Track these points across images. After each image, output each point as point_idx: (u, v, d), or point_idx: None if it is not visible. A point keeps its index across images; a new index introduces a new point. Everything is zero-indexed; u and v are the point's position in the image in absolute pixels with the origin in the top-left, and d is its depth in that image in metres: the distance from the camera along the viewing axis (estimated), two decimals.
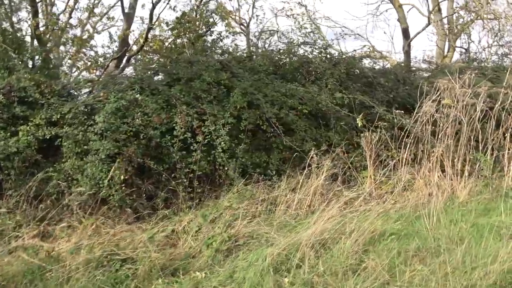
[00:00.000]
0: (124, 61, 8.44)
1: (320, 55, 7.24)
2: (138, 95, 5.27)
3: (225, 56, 6.74)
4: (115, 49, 8.89)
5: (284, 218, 4.10)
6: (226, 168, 5.09)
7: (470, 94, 6.02)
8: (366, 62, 8.86)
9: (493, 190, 5.08)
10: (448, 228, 3.87)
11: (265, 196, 4.61)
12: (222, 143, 5.08)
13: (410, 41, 13.13)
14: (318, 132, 6.17)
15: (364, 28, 24.11)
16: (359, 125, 5.43)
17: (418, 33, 13.11)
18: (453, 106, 5.40)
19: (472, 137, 5.62)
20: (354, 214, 3.97)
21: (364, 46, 19.13)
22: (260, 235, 3.62)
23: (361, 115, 5.51)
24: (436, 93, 5.75)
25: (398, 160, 5.54)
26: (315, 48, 7.68)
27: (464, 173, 5.47)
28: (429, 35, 15.07)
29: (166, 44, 9.04)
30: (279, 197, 4.61)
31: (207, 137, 5.14)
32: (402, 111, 5.75)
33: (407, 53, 13.43)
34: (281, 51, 7.18)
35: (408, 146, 5.62)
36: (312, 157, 4.98)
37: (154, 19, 8.25)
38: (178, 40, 8.97)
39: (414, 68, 9.63)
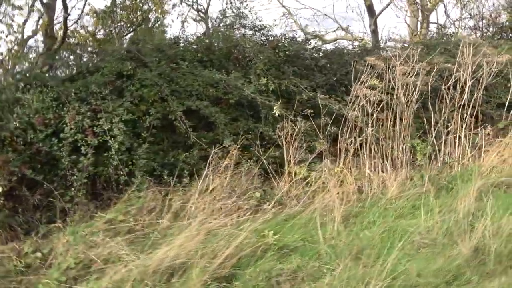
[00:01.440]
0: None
1: (253, 38, 6.48)
2: (22, 93, 4.55)
3: (140, 44, 5.97)
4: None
5: (166, 232, 3.41)
6: (121, 173, 4.40)
7: (412, 71, 5.31)
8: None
9: (430, 182, 4.37)
10: (355, 236, 3.19)
11: (158, 203, 3.92)
12: (116, 144, 4.38)
13: (376, 18, 12.31)
14: (246, 124, 5.46)
15: (331, 8, 22.79)
16: (276, 114, 4.71)
17: (383, 9, 12.30)
18: (381, 87, 4.67)
19: (408, 121, 4.91)
20: (241, 224, 3.30)
21: (338, 27, 18.38)
22: (117, 258, 2.94)
23: (279, 103, 4.79)
24: (370, 72, 5.01)
25: (327, 151, 4.84)
26: (253, 30, 6.93)
27: (403, 164, 4.78)
28: (397, 12, 14.14)
29: (103, 35, 8.30)
30: (175, 203, 3.92)
31: (100, 137, 4.44)
32: (327, 95, 5.02)
33: (374, 32, 12.63)
34: (203, 36, 6.41)
35: (345, 135, 4.92)
36: (216, 154, 4.28)
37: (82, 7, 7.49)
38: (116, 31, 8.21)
39: (368, 49, 8.79)
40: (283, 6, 17.02)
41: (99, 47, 7.41)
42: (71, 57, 5.47)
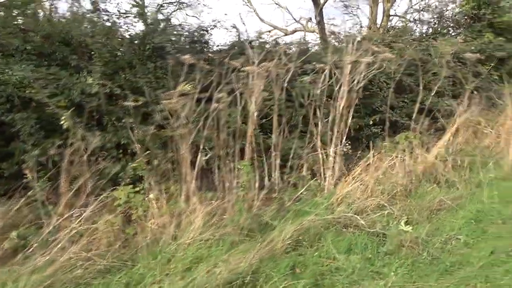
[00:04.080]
0: None
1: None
2: None
3: None
4: None
5: None
6: None
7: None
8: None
9: (247, 219, 3.33)
10: None
11: None
12: None
13: (321, 8, 11.17)
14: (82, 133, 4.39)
15: None
16: (64, 125, 3.67)
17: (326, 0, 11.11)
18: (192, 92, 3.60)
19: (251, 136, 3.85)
20: None
21: (301, 18, 17.15)
22: None
23: (70, 111, 3.75)
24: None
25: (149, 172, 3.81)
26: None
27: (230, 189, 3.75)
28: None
29: None
30: None
31: None
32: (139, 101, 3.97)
33: (319, 23, 11.49)
34: (47, 22, 5.30)
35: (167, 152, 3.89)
36: None
37: None
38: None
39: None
40: None
41: None
42: None
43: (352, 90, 4.56)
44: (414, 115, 5.62)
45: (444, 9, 9.50)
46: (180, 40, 6.07)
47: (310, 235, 3.16)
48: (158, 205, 3.55)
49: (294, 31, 16.39)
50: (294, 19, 14.12)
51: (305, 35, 13.82)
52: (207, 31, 6.60)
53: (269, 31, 15.55)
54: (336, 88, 4.57)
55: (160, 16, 6.38)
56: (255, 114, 3.98)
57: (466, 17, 9.12)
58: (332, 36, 10.08)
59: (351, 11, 11.15)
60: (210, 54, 4.84)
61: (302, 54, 4.90)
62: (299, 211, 3.58)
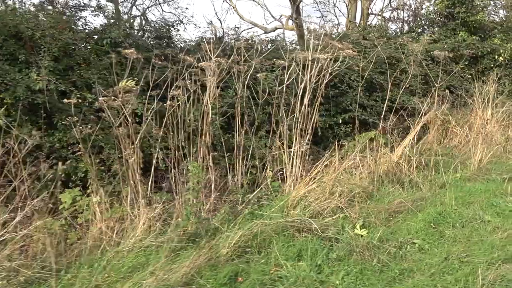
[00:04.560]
0: None
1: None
2: None
3: None
4: None
5: None
6: None
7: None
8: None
9: (194, 223, 3.12)
10: None
11: None
12: None
13: (297, 5, 10.98)
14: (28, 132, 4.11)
15: None
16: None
17: None
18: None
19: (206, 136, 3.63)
20: None
21: (281, 16, 16.99)
22: None
23: (3, 108, 3.48)
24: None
25: (94, 174, 3.57)
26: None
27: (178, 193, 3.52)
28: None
29: None
30: None
31: None
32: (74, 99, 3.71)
33: (296, 20, 11.30)
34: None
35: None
36: None
37: None
38: None
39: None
40: None
41: None
42: None
43: (315, 88, 4.39)
44: (383, 114, 5.49)
45: (419, 7, 9.42)
46: (144, 35, 5.83)
47: (259, 241, 2.96)
48: (101, 209, 3.30)
49: (275, 29, 16.26)
50: (273, 16, 14.03)
51: (283, 32, 13.71)
52: (173, 26, 6.37)
53: (238, 28, 15.38)
54: (300, 86, 4.41)
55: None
56: (211, 111, 3.77)
57: (440, 16, 9.06)
58: (312, 33, 9.91)
59: (326, 9, 10.97)
60: (167, 50, 4.60)
61: (265, 51, 4.71)
62: (253, 214, 3.38)
